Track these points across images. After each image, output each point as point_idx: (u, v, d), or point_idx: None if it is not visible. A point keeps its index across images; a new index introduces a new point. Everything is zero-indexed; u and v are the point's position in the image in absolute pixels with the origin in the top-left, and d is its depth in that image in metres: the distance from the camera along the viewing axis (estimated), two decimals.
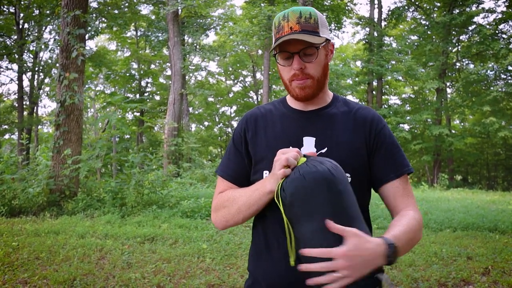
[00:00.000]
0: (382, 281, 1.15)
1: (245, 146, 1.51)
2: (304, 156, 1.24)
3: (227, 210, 1.44)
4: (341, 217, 1.13)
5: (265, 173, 1.41)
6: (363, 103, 30.16)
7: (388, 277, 1.16)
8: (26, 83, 24.76)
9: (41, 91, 25.73)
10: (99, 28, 21.89)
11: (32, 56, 24.39)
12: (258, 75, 32.52)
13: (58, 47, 8.93)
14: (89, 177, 9.37)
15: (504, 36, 22.99)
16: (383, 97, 28.60)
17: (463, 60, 25.29)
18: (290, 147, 1.30)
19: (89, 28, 18.26)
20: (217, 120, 36.51)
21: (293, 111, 1.49)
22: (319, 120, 1.44)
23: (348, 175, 1.35)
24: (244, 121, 1.55)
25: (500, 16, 23.28)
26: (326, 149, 1.38)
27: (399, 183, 1.40)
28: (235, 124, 35.75)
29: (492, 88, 21.95)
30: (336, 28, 26.07)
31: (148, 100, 30.07)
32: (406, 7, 26.20)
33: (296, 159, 1.22)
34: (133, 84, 30.69)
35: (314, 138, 1.40)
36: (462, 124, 30.24)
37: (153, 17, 25.43)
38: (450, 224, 7.29)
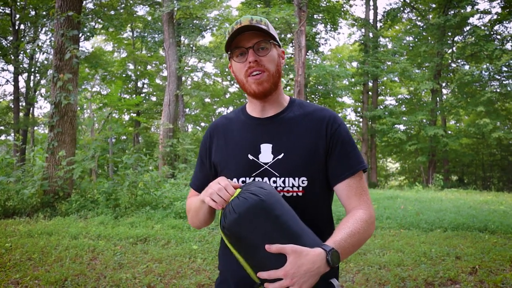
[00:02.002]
0: (335, 286, 1.22)
1: (209, 157, 1.59)
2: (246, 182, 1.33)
3: (189, 215, 1.60)
4: (286, 238, 1.21)
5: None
6: (359, 104, 30.27)
7: (338, 283, 1.23)
8: (22, 84, 24.83)
9: (37, 92, 25.70)
10: (95, 28, 21.88)
11: (28, 57, 24.37)
12: None
13: (52, 49, 8.97)
14: (84, 178, 9.40)
15: (498, 37, 23.13)
16: (378, 98, 28.70)
17: (458, 61, 25.40)
18: (248, 155, 1.43)
19: (85, 29, 18.26)
20: (213, 121, 36.52)
21: (251, 118, 1.53)
22: (275, 126, 1.48)
23: (304, 178, 1.41)
24: (208, 134, 1.63)
25: (495, 17, 23.43)
26: (283, 154, 1.43)
27: (353, 182, 1.45)
28: None
29: (486, 89, 22.05)
30: (332, 29, 26.16)
31: (144, 101, 30.08)
32: (401, 8, 26.29)
33: (226, 196, 1.28)
34: (129, 85, 30.70)
35: (271, 145, 1.45)
36: (457, 124, 30.34)
37: (149, 18, 25.45)
38: (441, 224, 7.34)
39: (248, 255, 1.25)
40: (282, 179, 1.41)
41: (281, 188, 1.42)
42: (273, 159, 1.43)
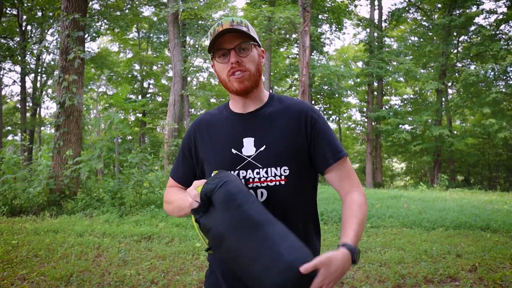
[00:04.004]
0: None
1: (194, 152, 1.67)
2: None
3: (169, 206, 1.66)
4: (247, 227, 1.29)
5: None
6: (364, 103, 30.25)
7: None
8: (28, 84, 24.98)
9: (44, 92, 25.90)
10: (101, 30, 22.04)
11: (34, 58, 24.57)
12: None
13: (58, 50, 9.09)
14: (90, 177, 9.51)
15: (504, 36, 23.03)
16: (384, 97, 28.67)
17: (464, 61, 25.32)
18: (232, 149, 1.53)
19: (91, 30, 18.40)
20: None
21: (234, 114, 1.62)
22: (256, 120, 1.57)
23: (286, 167, 1.50)
24: (192, 129, 1.71)
25: (500, 16, 23.33)
26: (264, 146, 1.52)
27: (341, 166, 1.56)
28: None
29: (492, 89, 21.96)
30: (337, 29, 26.17)
31: (150, 101, 30.22)
32: (407, 8, 26.25)
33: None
34: (135, 85, 30.88)
35: (253, 138, 1.54)
36: (463, 124, 30.26)
37: (155, 19, 25.59)
38: (443, 223, 7.37)
39: (219, 248, 1.34)
40: (265, 169, 1.50)
41: (264, 178, 1.50)
42: (255, 152, 1.52)
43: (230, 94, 1.61)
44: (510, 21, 23.07)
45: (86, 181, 9.21)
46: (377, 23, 26.17)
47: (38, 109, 26.48)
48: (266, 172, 1.50)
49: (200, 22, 21.64)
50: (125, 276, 4.43)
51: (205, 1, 21.82)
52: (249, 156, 1.52)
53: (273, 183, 1.50)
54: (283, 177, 1.50)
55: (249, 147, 1.53)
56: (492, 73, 22.64)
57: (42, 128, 28.78)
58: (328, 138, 1.56)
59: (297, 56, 19.90)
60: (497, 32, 23.10)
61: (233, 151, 1.54)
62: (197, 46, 24.17)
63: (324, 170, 1.56)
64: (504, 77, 22.96)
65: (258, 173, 1.51)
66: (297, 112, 1.57)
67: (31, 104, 25.05)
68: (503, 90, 22.17)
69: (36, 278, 4.34)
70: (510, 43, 22.33)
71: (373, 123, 25.83)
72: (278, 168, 1.50)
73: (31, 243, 5.65)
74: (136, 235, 6.22)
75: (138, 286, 4.21)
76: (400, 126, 24.40)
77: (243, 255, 1.27)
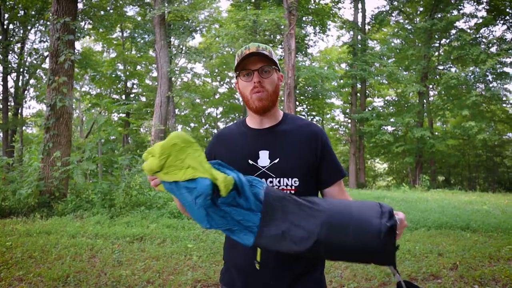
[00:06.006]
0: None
1: None
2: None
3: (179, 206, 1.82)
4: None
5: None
6: (347, 105, 30.62)
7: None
8: (11, 84, 24.70)
9: (26, 92, 25.63)
10: (85, 30, 21.92)
11: (16, 57, 24.30)
12: None
13: (48, 52, 9.13)
14: (82, 179, 9.55)
15: (484, 40, 23.56)
16: (367, 99, 29.05)
17: (445, 63, 25.81)
18: (249, 160, 1.72)
19: (76, 30, 18.31)
20: (203, 121, 36.63)
21: (251, 129, 1.83)
22: (272, 136, 1.78)
23: (296, 179, 1.71)
24: (211, 143, 1.91)
25: (480, 20, 23.85)
26: (278, 159, 1.72)
27: (340, 183, 1.82)
28: (221, 125, 36.04)
29: (472, 92, 22.44)
30: (321, 31, 26.46)
31: (134, 102, 30.10)
32: (390, 11, 26.65)
33: None
34: (119, 85, 30.73)
35: (268, 151, 1.74)
36: (444, 126, 30.79)
37: (139, 19, 25.53)
38: (425, 223, 7.65)
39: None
40: (278, 179, 1.70)
41: (277, 187, 1.70)
42: (270, 163, 1.72)
43: (249, 111, 1.81)
44: (489, 25, 23.61)
45: (74, 182, 9.25)
46: (360, 26, 26.52)
47: (20, 108, 26.20)
48: (279, 182, 1.70)
49: (185, 22, 21.68)
50: (121, 276, 4.55)
51: (190, 1, 21.89)
52: (263, 167, 1.71)
53: (285, 191, 1.67)
54: (293, 187, 1.70)
55: (264, 158, 1.72)
56: (472, 76, 23.14)
57: (24, 127, 28.46)
58: (334, 158, 1.81)
59: (282, 57, 20.10)
60: (477, 36, 23.63)
61: (250, 161, 1.73)
62: (182, 46, 24.21)
63: (330, 184, 1.79)
64: (484, 80, 23.47)
65: (271, 182, 1.70)
66: (311, 132, 1.78)
67: (13, 104, 24.77)
68: (483, 93, 22.67)
69: (33, 279, 4.44)
70: (490, 46, 22.86)
71: (356, 124, 26.19)
72: (290, 179, 1.70)
73: (24, 245, 5.73)
74: (128, 236, 6.34)
75: (134, 286, 4.34)
76: (383, 127, 24.77)
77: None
